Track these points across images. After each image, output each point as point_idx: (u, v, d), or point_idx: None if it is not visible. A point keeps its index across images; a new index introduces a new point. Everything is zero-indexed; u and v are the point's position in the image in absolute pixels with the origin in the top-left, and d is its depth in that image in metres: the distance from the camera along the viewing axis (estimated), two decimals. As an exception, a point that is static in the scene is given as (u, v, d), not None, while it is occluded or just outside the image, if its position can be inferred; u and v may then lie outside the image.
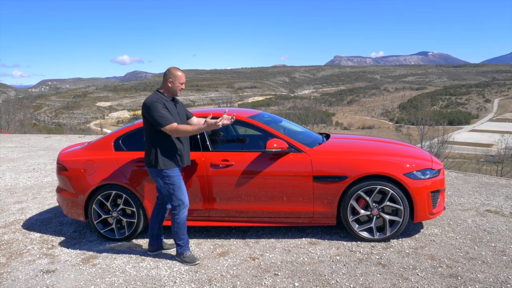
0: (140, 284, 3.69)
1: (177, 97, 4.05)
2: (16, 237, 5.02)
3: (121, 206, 4.63)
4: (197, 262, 4.03)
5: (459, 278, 3.54)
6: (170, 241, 4.47)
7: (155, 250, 4.30)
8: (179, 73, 3.90)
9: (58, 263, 4.21)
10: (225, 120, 3.71)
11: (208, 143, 4.55)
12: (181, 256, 4.07)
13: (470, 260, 3.87)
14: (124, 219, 4.66)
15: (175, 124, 3.75)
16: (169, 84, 3.89)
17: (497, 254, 3.99)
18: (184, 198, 3.97)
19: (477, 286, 3.39)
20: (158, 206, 4.21)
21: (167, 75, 3.90)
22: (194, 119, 4.17)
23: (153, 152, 3.89)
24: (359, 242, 4.34)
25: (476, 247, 4.15)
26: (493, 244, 4.21)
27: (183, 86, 3.97)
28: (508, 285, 3.39)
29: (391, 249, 4.15)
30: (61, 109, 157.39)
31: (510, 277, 3.52)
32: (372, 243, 4.30)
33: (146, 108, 3.79)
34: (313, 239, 4.50)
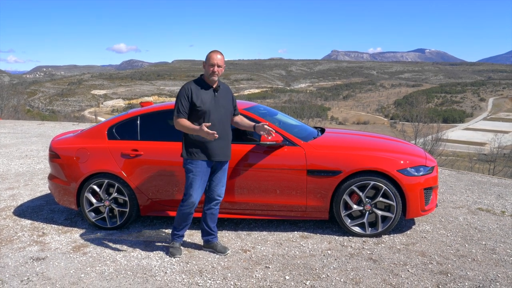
0: (131, 273, 3.68)
1: (222, 85, 3.84)
2: (6, 223, 4.99)
3: (113, 195, 4.61)
4: (177, 256, 3.96)
5: (449, 275, 3.56)
6: (224, 245, 4.24)
7: (205, 246, 4.15)
8: (212, 54, 3.70)
9: (49, 251, 4.19)
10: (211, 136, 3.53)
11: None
12: (170, 243, 4.06)
13: (461, 257, 3.89)
14: (116, 208, 4.64)
15: (182, 120, 3.66)
16: (204, 67, 3.75)
17: (487, 252, 4.01)
18: (192, 194, 3.80)
19: (466, 284, 3.41)
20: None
21: (205, 60, 3.75)
22: (238, 118, 4.04)
23: (182, 140, 3.84)
24: (350, 237, 4.35)
25: (466, 245, 4.17)
26: (483, 242, 4.24)
27: (215, 69, 3.69)
28: (497, 283, 3.41)
29: (382, 245, 4.17)
30: (55, 96, 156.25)
31: (499, 275, 3.55)
32: (364, 238, 4.31)
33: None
34: (305, 233, 4.51)
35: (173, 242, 4.05)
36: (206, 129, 3.52)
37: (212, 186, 3.94)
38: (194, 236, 4.48)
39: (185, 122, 3.68)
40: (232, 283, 3.49)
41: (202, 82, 3.78)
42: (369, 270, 3.66)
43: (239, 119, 4.07)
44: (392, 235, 4.41)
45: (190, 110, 3.71)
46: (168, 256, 3.99)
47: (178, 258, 3.95)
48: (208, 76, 3.76)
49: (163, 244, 4.27)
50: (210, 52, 3.74)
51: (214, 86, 3.80)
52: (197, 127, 3.61)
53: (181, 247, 4.11)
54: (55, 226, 4.90)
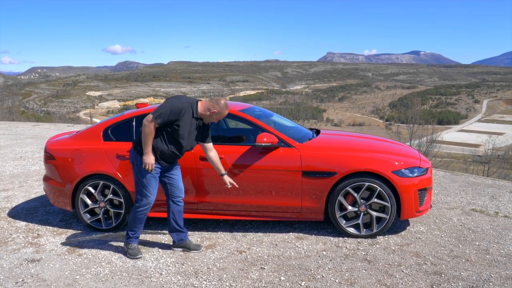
0: (126, 275, 3.68)
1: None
2: (1, 225, 4.97)
3: (108, 197, 4.60)
4: (139, 256, 3.97)
5: (443, 275, 3.58)
6: (196, 242, 4.33)
7: (177, 246, 4.18)
8: (225, 112, 3.84)
9: (44, 252, 4.18)
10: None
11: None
12: (126, 246, 4.05)
13: (454, 258, 3.92)
14: (112, 210, 4.63)
15: (152, 127, 3.63)
16: (211, 112, 3.78)
17: (480, 252, 4.04)
18: (149, 196, 3.87)
19: (460, 284, 3.44)
20: (167, 200, 4.11)
21: (217, 105, 3.78)
22: (212, 154, 4.07)
23: (137, 141, 3.87)
24: (345, 238, 4.37)
25: (460, 246, 4.20)
26: (477, 243, 4.27)
27: (216, 121, 3.99)
28: (491, 283, 3.44)
29: (377, 246, 4.19)
30: (50, 97, 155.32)
31: (492, 275, 3.58)
32: (359, 239, 4.33)
33: (168, 98, 3.80)
34: (300, 234, 4.52)
35: (130, 244, 4.02)
36: (150, 165, 3.74)
37: (174, 185, 4.02)
38: (190, 237, 4.47)
39: (151, 135, 3.68)
40: (227, 284, 3.50)
41: (195, 110, 3.80)
42: (363, 271, 3.68)
43: (214, 156, 4.08)
44: (386, 236, 4.44)
45: (168, 124, 3.71)
46: (163, 258, 3.99)
47: (175, 259, 3.95)
48: (208, 120, 3.86)
49: (159, 245, 4.27)
50: (226, 108, 3.82)
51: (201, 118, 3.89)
52: (149, 150, 3.71)
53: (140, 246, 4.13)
54: (50, 227, 4.89)
